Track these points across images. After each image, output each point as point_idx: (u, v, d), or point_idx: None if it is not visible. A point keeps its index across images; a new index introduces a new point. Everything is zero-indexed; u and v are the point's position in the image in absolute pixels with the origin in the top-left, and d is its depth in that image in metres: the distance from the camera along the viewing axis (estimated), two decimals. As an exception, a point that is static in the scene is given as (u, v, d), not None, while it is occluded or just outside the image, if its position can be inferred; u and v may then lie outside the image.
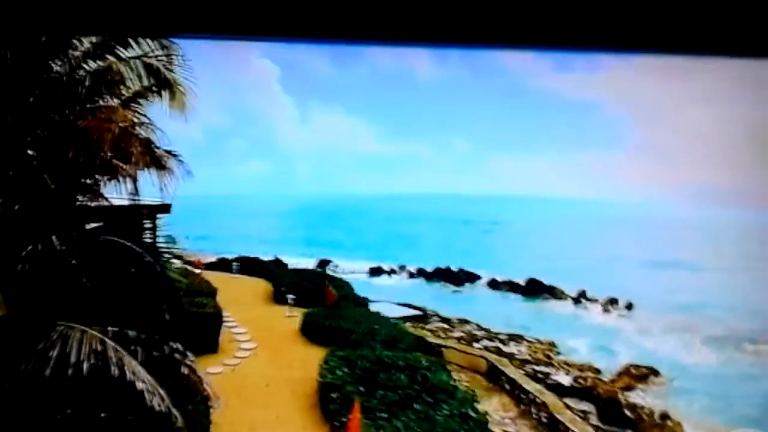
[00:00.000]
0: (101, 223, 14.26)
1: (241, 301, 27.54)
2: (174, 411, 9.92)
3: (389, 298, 36.96)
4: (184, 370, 11.52)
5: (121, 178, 16.46)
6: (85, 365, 9.34)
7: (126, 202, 18.16)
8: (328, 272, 36.49)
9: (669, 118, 59.33)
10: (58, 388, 9.55)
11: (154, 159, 18.43)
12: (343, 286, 29.19)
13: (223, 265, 38.14)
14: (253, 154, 73.82)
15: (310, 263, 45.77)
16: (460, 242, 60.60)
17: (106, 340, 9.88)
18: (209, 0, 2.81)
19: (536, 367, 27.66)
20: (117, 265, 12.82)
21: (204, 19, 2.85)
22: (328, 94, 69.45)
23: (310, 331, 23.16)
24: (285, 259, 46.09)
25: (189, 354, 12.14)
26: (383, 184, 73.88)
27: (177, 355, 11.51)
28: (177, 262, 31.41)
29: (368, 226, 67.07)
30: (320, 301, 26.26)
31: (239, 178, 71.56)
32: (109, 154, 15.36)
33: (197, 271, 31.73)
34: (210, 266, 37.46)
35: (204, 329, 21.32)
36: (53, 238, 10.90)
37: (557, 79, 66.03)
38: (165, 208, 23.29)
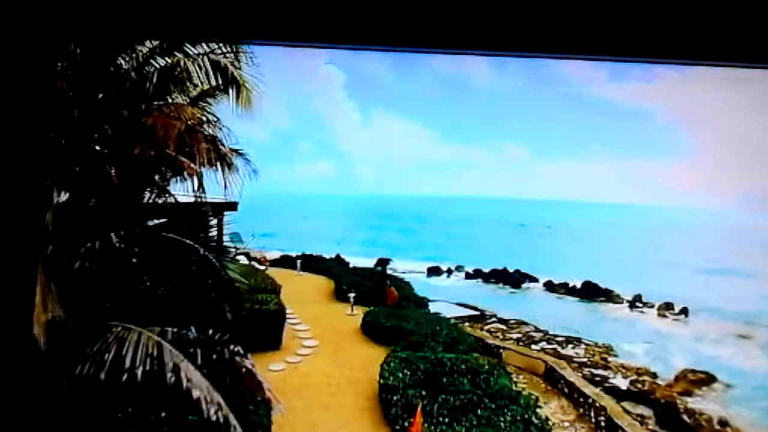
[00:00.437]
0: (164, 220, 13.41)
1: (303, 298, 26.77)
2: (232, 420, 9.01)
3: (447, 298, 36.19)
4: (245, 374, 10.61)
5: (187, 176, 15.80)
6: (140, 370, 8.47)
7: (192, 200, 17.56)
8: (388, 271, 35.59)
9: (722, 127, 57.60)
10: (113, 393, 8.72)
11: (220, 156, 17.79)
12: (404, 286, 28.24)
13: (286, 262, 37.45)
14: (317, 156, 73.78)
15: (370, 262, 44.76)
16: (515, 244, 59.50)
17: (164, 343, 9.01)
18: (279, 7, 2.74)
19: (594, 370, 26.54)
20: (178, 263, 11.97)
21: (273, 26, 2.81)
22: (389, 100, 68.91)
23: (370, 331, 22.25)
24: (346, 257, 45.43)
25: (249, 357, 11.22)
26: (441, 186, 73.29)
27: (237, 358, 10.60)
28: (242, 259, 30.99)
29: (426, 227, 66.49)
30: (381, 301, 25.39)
31: (304, 179, 71.52)
32: (175, 152, 14.61)
33: (262, 267, 31.13)
34: (274, 263, 36.90)
35: (267, 326, 20.58)
36: (112, 235, 10.07)
37: (613, 87, 64.49)
38: (231, 206, 22.60)
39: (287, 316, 22.72)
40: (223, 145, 18.37)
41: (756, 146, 52.35)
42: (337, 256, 45.16)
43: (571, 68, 59.51)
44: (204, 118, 17.60)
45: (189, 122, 15.02)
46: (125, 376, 8.33)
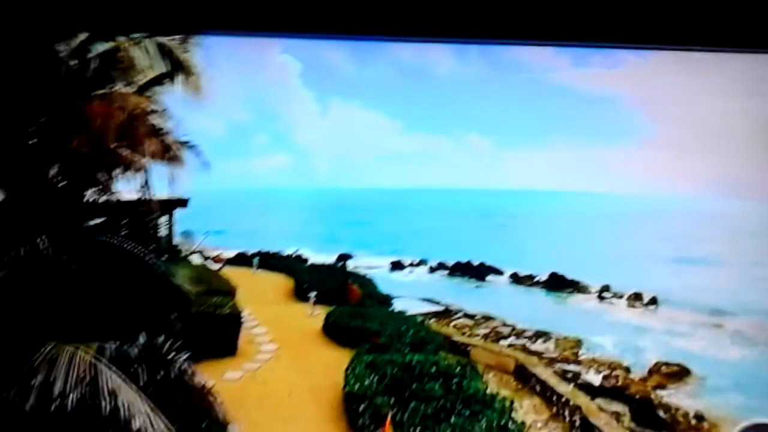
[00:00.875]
0: (102, 220, 12.30)
1: (261, 298, 25.72)
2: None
3: (411, 293, 35.11)
4: (196, 392, 9.59)
5: (133, 171, 14.73)
6: (73, 396, 7.37)
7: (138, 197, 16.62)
8: (349, 268, 34.61)
9: (686, 112, 57.19)
10: (39, 427, 7.62)
11: (166, 148, 16.77)
12: (367, 284, 27.27)
13: (243, 260, 36.16)
14: (273, 148, 71.97)
15: (330, 258, 43.62)
16: (479, 236, 58.70)
17: (100, 364, 7.90)
18: None
19: (565, 366, 25.92)
20: (118, 269, 10.86)
21: (226, 16, 2.93)
22: (348, 89, 67.53)
23: (333, 332, 21.30)
24: (306, 253, 44.30)
25: (199, 374, 10.22)
26: (402, 178, 71.85)
27: (187, 376, 9.56)
28: (196, 258, 29.82)
29: (387, 220, 65.44)
30: (343, 299, 24.39)
31: (260, 173, 69.75)
32: (115, 144, 13.51)
33: (216, 266, 30.01)
34: (230, 262, 35.68)
35: (222, 331, 19.52)
36: (40, 239, 8.92)
37: (575, 74, 63.91)
38: (182, 203, 21.51)
39: (243, 318, 21.77)
40: (170, 136, 17.28)
41: (721, 132, 51.95)
42: (296, 252, 43.94)
43: (533, 55, 58.75)
44: (150, 108, 16.55)
45: (133, 112, 14.04)
46: (54, 405, 7.27)
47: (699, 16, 2.79)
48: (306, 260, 41.24)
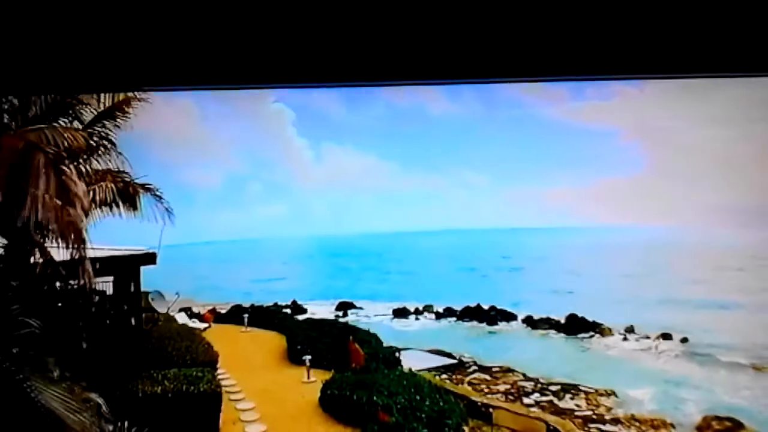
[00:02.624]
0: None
1: (249, 363, 22.08)
2: None
3: (417, 343, 31.68)
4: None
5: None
6: None
7: (106, 253, 13.82)
8: (350, 319, 31.03)
9: (686, 141, 54.65)
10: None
11: (121, 194, 13.59)
12: (371, 340, 23.26)
13: (236, 314, 32.29)
14: (269, 198, 69.45)
15: (330, 307, 41.16)
16: (486, 279, 55.42)
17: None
18: (222, 52, 2.93)
19: (602, 427, 22.11)
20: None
21: (217, 70, 2.97)
22: (342, 134, 65.14)
23: (333, 406, 17.43)
24: (304, 303, 40.77)
25: None
26: (401, 221, 69.38)
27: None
28: (181, 317, 26.14)
29: (388, 265, 62.56)
30: (344, 362, 20.53)
31: (257, 223, 67.24)
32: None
33: (203, 326, 26.31)
34: (224, 317, 31.88)
35: (199, 412, 15.65)
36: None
37: (570, 108, 61.34)
38: (149, 258, 17.73)
39: (228, 389, 18.05)
40: (124, 179, 13.91)
41: (722, 159, 49.31)
42: (294, 302, 40.38)
43: (527, 91, 56.33)
44: (94, 144, 13.30)
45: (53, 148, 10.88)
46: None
47: (693, 41, 2.81)
48: (305, 310, 39.33)
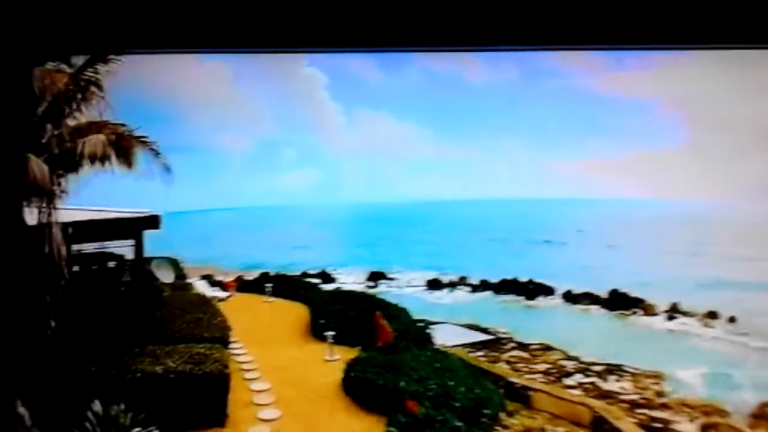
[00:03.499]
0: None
1: (269, 337, 20.21)
2: None
3: (451, 317, 29.76)
4: None
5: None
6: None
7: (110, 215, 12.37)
8: (381, 290, 29.22)
9: (725, 113, 52.39)
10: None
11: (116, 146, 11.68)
12: (400, 315, 21.09)
13: (263, 282, 30.37)
14: (301, 164, 67.84)
15: (361, 277, 39.37)
16: (522, 250, 53.37)
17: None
18: (257, 15, 2.86)
19: (649, 412, 20.07)
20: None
21: (253, 33, 2.92)
22: (377, 100, 63.22)
23: (356, 390, 15.37)
24: (334, 273, 39.05)
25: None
26: (437, 189, 67.58)
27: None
28: (201, 285, 24.33)
29: (422, 235, 60.98)
30: (370, 338, 18.56)
31: (288, 189, 65.78)
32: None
33: (223, 295, 24.51)
34: (247, 286, 29.95)
35: (203, 395, 13.75)
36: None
37: (609, 78, 59.14)
38: (151, 222, 15.79)
39: (243, 367, 16.22)
40: (116, 130, 11.89)
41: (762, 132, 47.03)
42: (323, 271, 38.65)
43: (566, 60, 54.08)
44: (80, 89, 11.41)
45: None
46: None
47: (737, 11, 2.66)
48: (334, 279, 38.01)
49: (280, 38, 2.84)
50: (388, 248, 52.73)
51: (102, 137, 12.14)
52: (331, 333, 18.55)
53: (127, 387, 13.08)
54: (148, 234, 18.06)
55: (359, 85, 66.10)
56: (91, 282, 16.29)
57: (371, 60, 59.40)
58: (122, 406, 12.57)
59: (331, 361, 17.78)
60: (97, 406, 12.43)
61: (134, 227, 15.66)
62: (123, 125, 12.54)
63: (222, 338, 16.11)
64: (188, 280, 24.99)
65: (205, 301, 19.62)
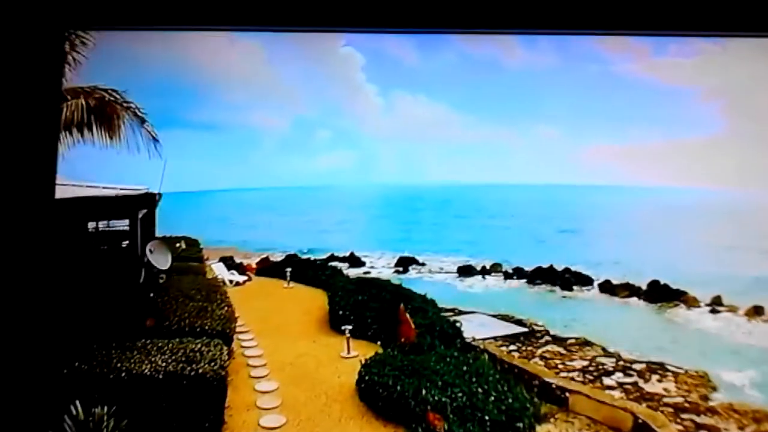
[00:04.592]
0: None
1: (283, 328, 18.54)
2: None
3: (483, 306, 28.07)
4: None
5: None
6: None
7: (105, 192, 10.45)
8: (411, 275, 27.68)
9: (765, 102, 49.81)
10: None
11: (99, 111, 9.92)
12: (427, 308, 19.18)
13: (286, 265, 28.67)
14: (336, 145, 66.45)
15: (391, 260, 37.46)
16: (557, 238, 51.52)
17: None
18: None
19: (696, 418, 18.24)
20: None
21: (289, 12, 3.04)
22: (413, 82, 61.51)
23: (371, 396, 13.45)
24: (363, 256, 37.29)
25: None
26: (469, 173, 65.71)
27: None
28: (218, 269, 22.62)
29: (455, 219, 59.52)
30: (392, 333, 16.74)
31: (322, 170, 64.55)
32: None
33: (242, 279, 22.90)
34: (272, 269, 28.13)
35: (195, 400, 11.95)
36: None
37: (649, 64, 56.70)
38: (147, 201, 13.95)
39: (251, 363, 14.48)
40: (97, 95, 10.09)
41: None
42: (351, 254, 36.93)
43: (605, 45, 51.86)
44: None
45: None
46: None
47: None
48: (363, 263, 36.35)
49: (317, 17, 2.88)
50: (418, 232, 51.34)
51: (81, 101, 10.35)
52: (349, 327, 16.80)
53: (110, 387, 11.38)
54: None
55: (396, 67, 64.50)
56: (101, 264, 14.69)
57: (409, 41, 57.69)
58: (105, 409, 10.93)
59: (348, 358, 16.04)
60: (76, 408, 10.83)
61: (131, 206, 13.93)
62: (106, 89, 10.77)
63: (224, 332, 14.29)
64: (207, 262, 23.55)
65: (214, 289, 17.84)
